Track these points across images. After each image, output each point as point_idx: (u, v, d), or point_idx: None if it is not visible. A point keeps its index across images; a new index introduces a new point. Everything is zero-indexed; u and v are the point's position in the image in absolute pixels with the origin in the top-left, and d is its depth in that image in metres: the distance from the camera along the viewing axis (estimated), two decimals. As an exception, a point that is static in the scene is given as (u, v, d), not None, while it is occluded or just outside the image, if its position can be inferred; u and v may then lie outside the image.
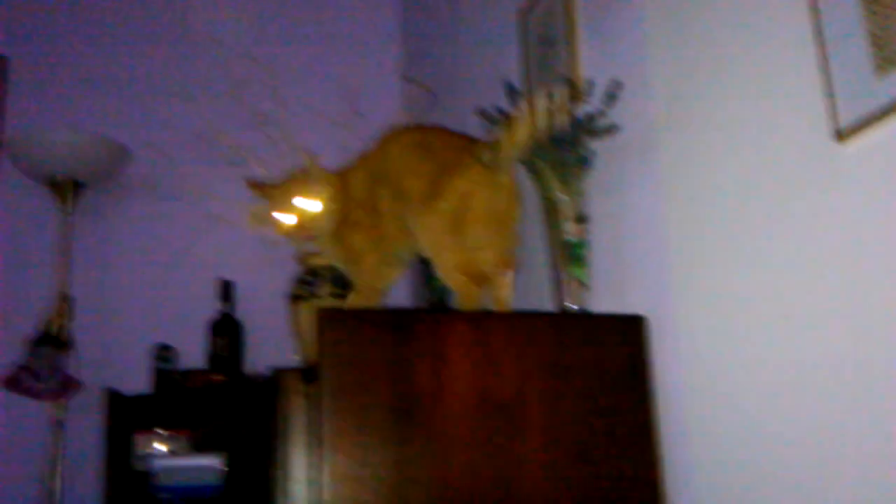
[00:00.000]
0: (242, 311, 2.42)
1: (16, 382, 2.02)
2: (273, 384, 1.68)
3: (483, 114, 1.50)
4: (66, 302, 2.16)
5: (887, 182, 0.93)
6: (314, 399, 1.61)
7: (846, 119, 0.96)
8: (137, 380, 2.30)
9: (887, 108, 0.91)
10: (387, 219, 1.40)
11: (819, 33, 1.01)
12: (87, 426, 2.26)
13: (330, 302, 1.97)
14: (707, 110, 1.25)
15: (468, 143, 1.37)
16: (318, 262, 1.98)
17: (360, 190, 1.45)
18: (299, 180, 1.48)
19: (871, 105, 0.93)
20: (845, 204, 0.98)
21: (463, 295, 1.32)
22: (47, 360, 2.03)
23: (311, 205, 1.45)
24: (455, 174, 1.31)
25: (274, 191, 1.50)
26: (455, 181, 1.30)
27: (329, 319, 1.22)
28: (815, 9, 1.02)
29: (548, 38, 1.74)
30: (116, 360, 2.37)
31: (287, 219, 1.44)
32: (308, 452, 1.63)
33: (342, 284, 1.98)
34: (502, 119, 1.47)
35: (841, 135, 0.98)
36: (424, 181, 1.33)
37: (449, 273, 1.33)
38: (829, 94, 0.99)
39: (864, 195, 0.95)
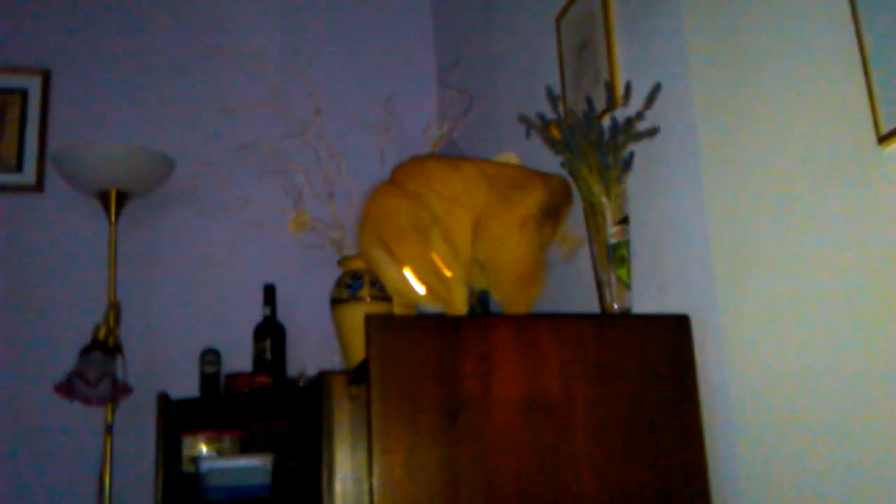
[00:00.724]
0: (285, 315, 2.46)
1: (68, 389, 2.08)
2: (319, 386, 1.71)
3: (524, 120, 1.52)
4: (114, 309, 2.22)
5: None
6: (361, 401, 1.65)
7: (888, 123, 0.97)
8: (185, 384, 2.36)
9: (932, 111, 0.91)
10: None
11: (861, 37, 1.02)
12: (136, 430, 2.32)
13: (371, 304, 2.00)
14: (748, 112, 1.25)
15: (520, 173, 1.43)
16: (358, 265, 2.02)
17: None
18: (421, 249, 1.37)
19: (915, 108, 0.93)
20: (887, 206, 0.99)
21: (521, 299, 1.36)
22: (97, 367, 2.08)
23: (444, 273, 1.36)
24: (526, 192, 1.38)
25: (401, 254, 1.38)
26: (527, 198, 1.37)
27: (377, 324, 1.25)
28: (856, 11, 1.03)
29: (585, 41, 1.75)
30: (164, 364, 2.44)
31: (418, 289, 1.35)
32: (353, 453, 1.67)
33: (382, 287, 2.02)
34: (543, 125, 1.49)
35: (883, 139, 0.98)
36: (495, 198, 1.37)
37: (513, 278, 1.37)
38: (871, 98, 1.00)
39: (909, 197, 0.96)
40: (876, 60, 1.00)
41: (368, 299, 1.99)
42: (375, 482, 1.22)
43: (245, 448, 2.24)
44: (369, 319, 1.26)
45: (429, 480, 1.21)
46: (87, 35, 2.71)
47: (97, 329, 2.17)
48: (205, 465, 2.03)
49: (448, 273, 1.34)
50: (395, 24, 2.93)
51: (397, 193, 1.42)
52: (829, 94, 1.09)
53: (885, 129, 0.98)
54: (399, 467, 1.21)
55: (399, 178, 1.44)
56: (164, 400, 2.13)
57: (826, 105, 1.10)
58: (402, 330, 1.25)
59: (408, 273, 1.34)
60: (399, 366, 1.24)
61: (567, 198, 1.44)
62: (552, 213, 1.39)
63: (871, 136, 1.01)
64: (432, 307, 1.34)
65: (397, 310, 1.41)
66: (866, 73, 1.01)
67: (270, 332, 2.37)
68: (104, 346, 2.15)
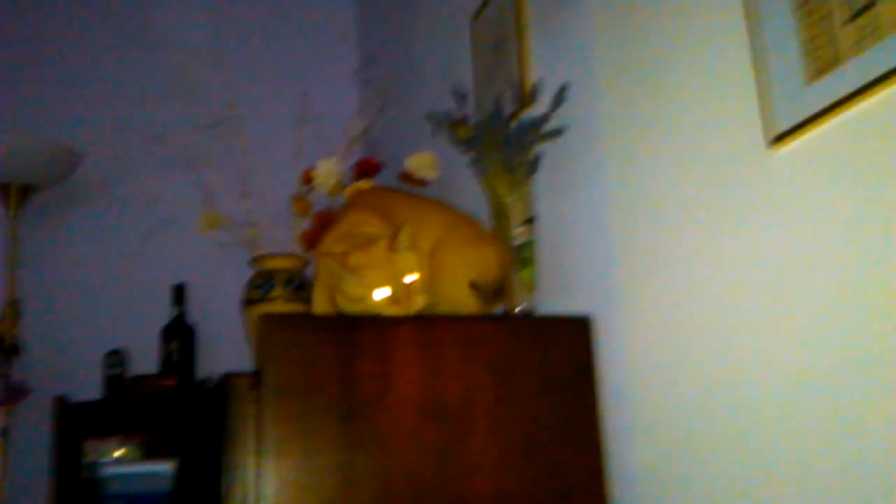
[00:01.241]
0: (198, 316, 2.39)
1: (-40, 389, 1.98)
2: (223, 389, 1.66)
3: (431, 118, 1.50)
4: (13, 307, 2.12)
5: (816, 188, 0.94)
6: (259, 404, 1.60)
7: (779, 125, 0.98)
8: (90, 386, 2.27)
9: (816, 116, 0.92)
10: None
11: (754, 40, 1.03)
12: (36, 434, 2.22)
13: (284, 305, 1.96)
14: (649, 113, 1.26)
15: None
16: (271, 264, 1.97)
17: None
18: (388, 259, 1.33)
19: (802, 113, 0.94)
20: (778, 208, 1.00)
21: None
22: (-7, 367, 1.99)
23: (412, 276, 1.32)
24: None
25: (364, 268, 1.33)
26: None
27: (272, 324, 1.21)
28: (750, 16, 1.04)
29: (499, 40, 1.74)
30: (68, 366, 2.34)
31: (382, 293, 1.30)
32: (255, 458, 1.62)
33: (296, 287, 1.97)
34: (450, 124, 1.47)
35: (774, 141, 0.99)
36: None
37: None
38: (763, 101, 1.01)
39: (796, 200, 0.97)
40: (769, 64, 1.00)
41: (281, 300, 1.95)
42: (268, 487, 1.18)
43: (150, 453, 2.16)
44: (263, 318, 1.22)
45: (323, 485, 1.17)
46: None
47: (-6, 328, 2.08)
48: (103, 471, 1.95)
49: (413, 275, 1.31)
50: (316, 20, 2.88)
51: (365, 209, 1.44)
52: (726, 97, 1.10)
53: (774, 133, 0.99)
54: (293, 472, 1.17)
55: (366, 198, 1.49)
56: (60, 402, 2.04)
57: (722, 107, 1.10)
58: (297, 329, 1.22)
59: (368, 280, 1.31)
60: (294, 366, 1.20)
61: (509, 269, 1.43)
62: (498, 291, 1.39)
63: (764, 140, 1.01)
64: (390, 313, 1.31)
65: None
66: (759, 78, 1.02)
67: (179, 333, 2.30)
68: (1, 346, 2.05)
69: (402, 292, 1.30)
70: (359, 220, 1.41)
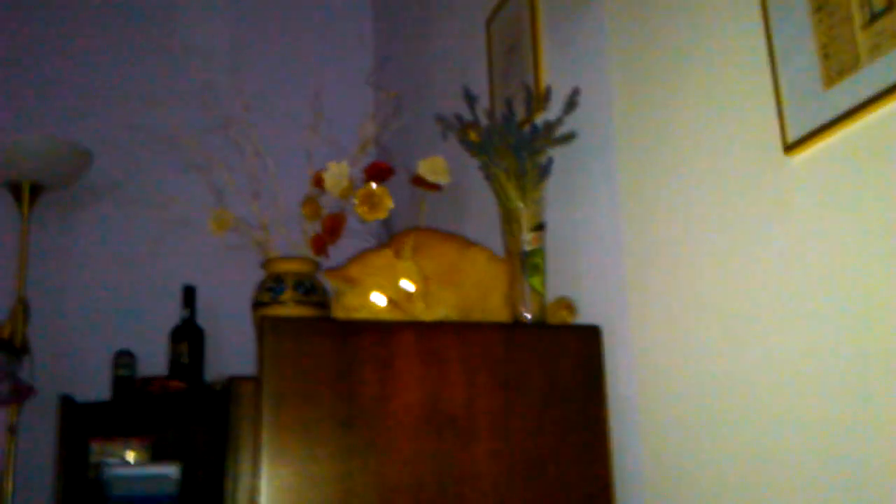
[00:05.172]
0: (206, 318, 2.38)
1: (-32, 387, 1.98)
2: (229, 392, 1.64)
3: (441, 121, 1.47)
4: (21, 306, 2.11)
5: (832, 194, 0.91)
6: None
7: (794, 131, 0.95)
8: (98, 387, 2.26)
9: (833, 121, 0.89)
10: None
11: (771, 44, 0.99)
12: (42, 433, 2.21)
13: (294, 308, 1.94)
14: (663, 120, 1.23)
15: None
16: (281, 267, 1.95)
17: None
18: (387, 264, 1.33)
19: (819, 117, 0.91)
20: (793, 216, 0.96)
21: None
22: (0, 366, 1.98)
23: (408, 285, 1.31)
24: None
25: (361, 276, 1.33)
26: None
27: (271, 327, 1.19)
28: (767, 20, 1.00)
29: (513, 44, 1.72)
30: (76, 366, 2.33)
31: (379, 300, 1.30)
32: (254, 465, 1.60)
33: (306, 291, 1.95)
34: (460, 126, 1.45)
35: (789, 147, 0.96)
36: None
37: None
38: (779, 106, 0.97)
39: (811, 207, 0.94)
40: (785, 69, 0.97)
41: (291, 303, 1.93)
42: (264, 495, 1.15)
43: (156, 455, 2.15)
44: (262, 321, 1.20)
45: (321, 493, 1.15)
46: (5, 21, 2.59)
47: (2, 327, 2.07)
48: (108, 472, 1.94)
49: (411, 284, 1.29)
50: (332, 23, 2.86)
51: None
52: (741, 103, 1.06)
53: (791, 139, 0.96)
54: (289, 479, 1.15)
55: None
56: (66, 402, 2.04)
57: (738, 113, 1.07)
58: (297, 333, 1.20)
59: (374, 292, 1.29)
60: (293, 371, 1.18)
61: None
62: None
63: (779, 146, 0.98)
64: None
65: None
66: (775, 83, 0.98)
67: (188, 335, 2.29)
68: (9, 346, 2.04)
69: (401, 298, 1.27)
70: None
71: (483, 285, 1.38)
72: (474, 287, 1.38)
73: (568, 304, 1.34)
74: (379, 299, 1.28)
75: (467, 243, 1.44)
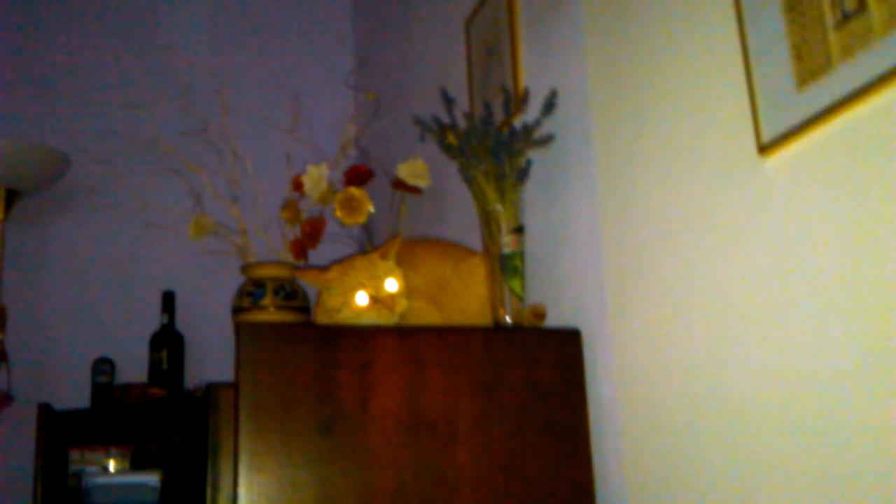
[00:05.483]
0: (186, 324, 2.36)
1: (-57, 397, 1.95)
2: (208, 399, 1.63)
3: (419, 123, 1.47)
4: (-1, 313, 2.08)
5: (807, 195, 0.91)
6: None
7: (769, 133, 0.95)
8: (77, 395, 2.24)
9: (807, 122, 0.89)
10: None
11: (745, 45, 0.99)
12: (21, 442, 2.19)
13: (274, 314, 1.92)
14: (640, 121, 1.23)
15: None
16: (261, 272, 1.94)
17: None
18: (369, 263, 1.32)
19: (793, 119, 0.91)
20: (769, 217, 0.96)
21: None
22: (-24, 374, 1.95)
23: (393, 284, 1.31)
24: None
25: (342, 275, 1.32)
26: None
27: (248, 333, 1.18)
28: (741, 21, 1.00)
29: (492, 46, 1.71)
30: (55, 374, 2.31)
31: (361, 298, 1.29)
32: (233, 472, 1.58)
33: (286, 296, 1.94)
34: (438, 128, 1.44)
35: (763, 148, 0.96)
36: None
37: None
38: (753, 107, 0.97)
39: (786, 208, 0.94)
40: (759, 70, 0.97)
41: (271, 308, 1.92)
42: (242, 502, 1.14)
43: (137, 463, 2.13)
44: (239, 326, 1.19)
45: (301, 499, 1.14)
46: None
47: (-22, 334, 2.04)
48: (88, 481, 1.92)
49: (394, 281, 1.29)
50: (311, 25, 2.84)
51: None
52: (716, 104, 1.07)
53: (765, 140, 0.96)
54: (268, 486, 1.14)
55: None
56: (45, 411, 2.01)
57: (713, 114, 1.07)
58: (275, 338, 1.19)
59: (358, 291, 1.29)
60: (272, 377, 1.17)
61: None
62: None
63: (754, 148, 0.98)
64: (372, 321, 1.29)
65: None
66: (749, 84, 0.98)
67: (168, 342, 2.27)
68: (-15, 353, 2.01)
69: (382, 296, 1.27)
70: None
71: (483, 296, 1.40)
72: (468, 301, 1.40)
73: (537, 311, 1.34)
74: (361, 298, 1.28)
75: (466, 255, 1.45)
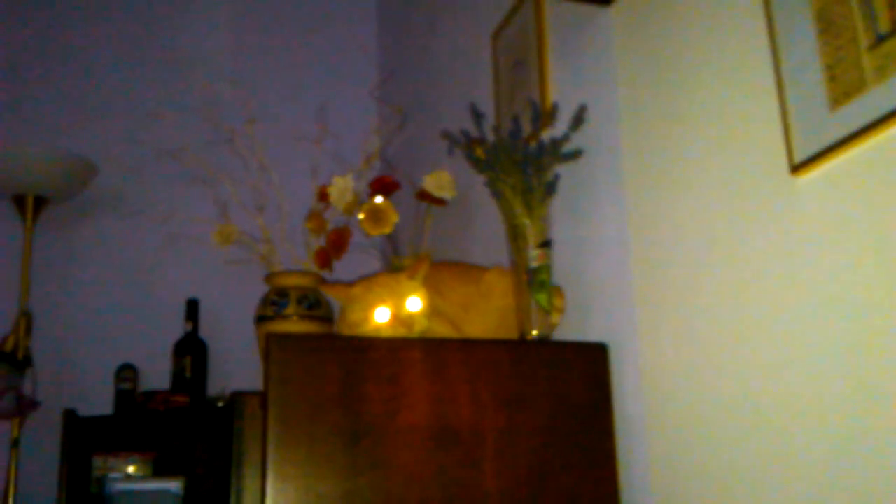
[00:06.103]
0: (209, 332, 2.37)
1: (-30, 401, 1.97)
2: (232, 407, 1.64)
3: (447, 136, 1.47)
4: (25, 319, 2.11)
5: (838, 215, 0.91)
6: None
7: (801, 153, 0.95)
8: (100, 400, 2.25)
9: (840, 142, 0.89)
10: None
11: (778, 65, 1.00)
12: (45, 447, 2.21)
13: (297, 323, 1.93)
14: (670, 139, 1.23)
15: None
16: (285, 281, 1.95)
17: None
18: (394, 281, 1.33)
19: (826, 139, 0.91)
20: (801, 236, 0.96)
21: None
22: (2, 380, 1.97)
23: (416, 304, 1.31)
24: None
25: (366, 291, 1.32)
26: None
27: (277, 344, 1.19)
28: (774, 41, 1.01)
29: (519, 59, 1.72)
30: (78, 379, 2.33)
31: (381, 314, 1.29)
32: (259, 482, 1.59)
33: (310, 306, 1.95)
34: (467, 143, 1.45)
35: (796, 168, 0.96)
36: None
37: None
38: (786, 127, 0.97)
39: (819, 228, 0.94)
40: (792, 90, 0.97)
41: (295, 318, 1.93)
42: (268, 513, 1.15)
43: (159, 470, 2.14)
44: (269, 338, 1.20)
45: (327, 511, 1.14)
46: (7, 30, 2.59)
47: (5, 340, 2.07)
48: (111, 487, 1.93)
49: (417, 300, 1.30)
50: (337, 36, 2.86)
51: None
52: (748, 122, 1.07)
53: (797, 159, 0.96)
54: (294, 496, 1.15)
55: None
56: (70, 416, 2.03)
57: (745, 133, 1.07)
58: (304, 349, 1.19)
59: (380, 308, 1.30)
60: (300, 387, 1.18)
61: None
62: None
63: (786, 167, 0.98)
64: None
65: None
66: (782, 104, 0.99)
67: (191, 349, 2.28)
68: (12, 359, 2.04)
69: (402, 314, 1.27)
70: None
71: (502, 308, 1.41)
72: (489, 314, 1.41)
73: (556, 304, 1.36)
74: (381, 314, 1.28)
75: (481, 273, 1.46)
